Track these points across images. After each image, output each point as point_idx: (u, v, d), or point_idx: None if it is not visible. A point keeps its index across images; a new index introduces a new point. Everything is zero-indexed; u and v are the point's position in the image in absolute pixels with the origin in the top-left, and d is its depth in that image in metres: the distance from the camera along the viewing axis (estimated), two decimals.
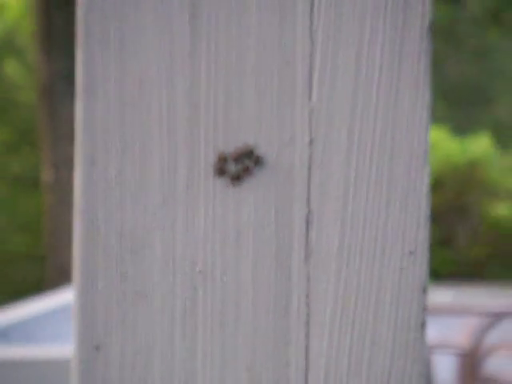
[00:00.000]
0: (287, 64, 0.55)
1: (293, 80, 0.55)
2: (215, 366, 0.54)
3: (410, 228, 0.55)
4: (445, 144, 10.86)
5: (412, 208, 0.55)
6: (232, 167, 0.54)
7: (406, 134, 0.55)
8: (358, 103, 0.55)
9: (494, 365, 4.84)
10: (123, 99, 0.55)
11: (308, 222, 0.54)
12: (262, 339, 0.54)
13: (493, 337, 4.53)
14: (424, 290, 0.55)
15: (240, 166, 0.54)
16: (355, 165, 0.55)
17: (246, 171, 0.54)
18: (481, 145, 11.13)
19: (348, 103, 0.55)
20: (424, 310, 0.55)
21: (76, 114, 0.55)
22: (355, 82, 0.55)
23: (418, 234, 0.55)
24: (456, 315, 4.91)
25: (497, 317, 4.38)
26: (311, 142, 0.55)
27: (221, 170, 0.54)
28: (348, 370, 0.55)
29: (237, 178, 0.54)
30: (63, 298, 4.19)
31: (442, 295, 4.29)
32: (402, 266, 0.55)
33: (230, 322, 0.54)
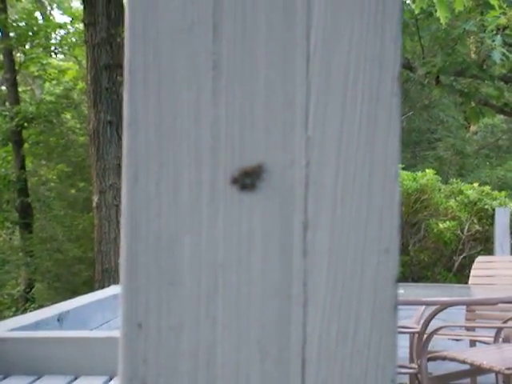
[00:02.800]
0: (289, 104, 0.54)
1: (293, 116, 0.54)
2: (232, 340, 0.54)
3: (385, 231, 0.54)
4: (399, 174, 10.90)
5: (386, 216, 0.54)
6: (246, 183, 0.54)
7: (381, 158, 0.54)
8: (344, 135, 0.54)
9: (438, 343, 4.84)
10: (160, 131, 0.54)
11: (305, 227, 0.54)
12: (269, 318, 0.53)
13: (437, 322, 4.52)
14: (396, 280, 0.54)
15: (252, 181, 0.54)
16: (342, 183, 0.54)
17: (256, 185, 0.54)
18: (427, 176, 11.16)
19: (336, 134, 0.54)
20: (396, 295, 0.54)
21: (123, 142, 0.55)
22: (341, 119, 0.54)
23: (391, 236, 0.54)
24: (408, 306, 4.90)
25: (440, 306, 4.38)
26: (307, 165, 0.54)
27: (237, 186, 0.54)
28: (336, 343, 0.54)
29: (249, 192, 0.54)
30: (108, 292, 4.18)
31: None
32: (379, 260, 0.54)
33: (243, 304, 0.54)
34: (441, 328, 4.47)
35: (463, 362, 4.06)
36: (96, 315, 3.56)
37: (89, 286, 10.51)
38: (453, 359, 4.11)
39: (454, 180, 12.37)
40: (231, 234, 0.54)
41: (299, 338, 0.54)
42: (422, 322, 4.55)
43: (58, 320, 2.98)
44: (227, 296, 0.54)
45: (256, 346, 0.54)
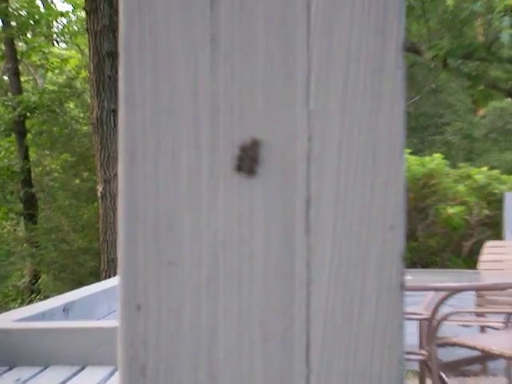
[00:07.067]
0: (290, 77, 0.53)
1: (294, 89, 0.53)
2: (233, 321, 0.53)
3: (391, 207, 0.53)
4: (407, 159, 10.88)
5: (391, 192, 0.53)
6: (246, 159, 0.53)
7: (386, 130, 0.53)
8: (347, 108, 0.53)
9: (447, 330, 4.84)
10: (157, 107, 0.53)
11: (308, 203, 0.53)
12: (271, 298, 0.53)
13: (446, 308, 4.52)
14: (402, 258, 0.53)
15: (252, 157, 0.52)
16: (345, 157, 0.53)
17: (257, 161, 0.52)
18: (435, 161, 11.15)
19: (339, 107, 0.53)
20: (402, 273, 0.53)
21: (119, 120, 0.54)
22: (344, 91, 0.53)
23: (396, 212, 0.53)
24: (417, 292, 4.90)
25: (449, 292, 4.37)
26: (309, 139, 0.53)
27: (237, 162, 0.53)
28: (341, 323, 0.53)
29: (250, 168, 0.53)
30: (114, 282, 4.18)
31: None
32: (385, 238, 0.53)
33: (245, 284, 0.53)
34: (450, 314, 4.47)
35: (473, 348, 4.06)
36: (102, 305, 3.55)
37: (95, 277, 10.53)
38: (463, 345, 4.10)
39: (463, 164, 12.35)
40: (232, 212, 0.53)
41: (303, 319, 0.53)
42: (431, 308, 4.55)
43: (64, 310, 2.98)
44: (228, 276, 0.53)
45: (259, 327, 0.53)
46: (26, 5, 15.60)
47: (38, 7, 16.27)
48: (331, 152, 0.53)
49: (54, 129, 15.02)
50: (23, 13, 15.55)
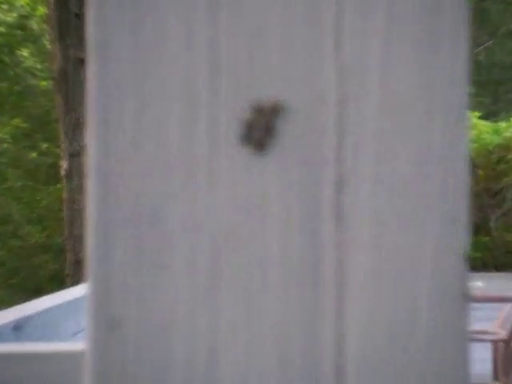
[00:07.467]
0: (315, 17, 0.53)
1: (321, 34, 0.53)
2: (240, 342, 0.53)
3: (449, 190, 0.53)
4: (476, 125, 10.85)
5: (450, 167, 0.53)
6: (257, 128, 0.53)
7: (443, 86, 0.53)
8: (390, 58, 0.53)
9: None
10: (137, 56, 0.53)
11: (339, 186, 0.53)
12: (290, 311, 0.53)
13: None
14: (465, 259, 0.53)
15: (266, 125, 0.53)
16: (389, 124, 0.53)
17: (271, 130, 0.53)
18: None
19: (379, 58, 0.53)
20: (465, 279, 0.53)
21: (87, 73, 0.54)
22: (387, 36, 0.54)
23: (457, 196, 0.53)
24: (489, 303, 4.91)
25: None
26: (341, 100, 0.53)
27: (245, 132, 0.53)
28: (385, 342, 0.53)
29: (262, 140, 0.53)
30: (83, 290, 4.19)
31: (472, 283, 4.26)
32: (441, 232, 0.53)
33: (255, 293, 0.53)
34: None
35: None
36: (67, 321, 3.57)
37: (57, 283, 10.59)
38: None
39: None
40: (238, 197, 0.53)
41: (333, 338, 0.53)
42: (508, 325, 4.55)
43: (15, 329, 2.99)
44: (233, 281, 0.53)
45: (273, 349, 0.53)
46: None
47: None
48: (370, 117, 0.53)
49: (2, 85, 15.05)
50: None
